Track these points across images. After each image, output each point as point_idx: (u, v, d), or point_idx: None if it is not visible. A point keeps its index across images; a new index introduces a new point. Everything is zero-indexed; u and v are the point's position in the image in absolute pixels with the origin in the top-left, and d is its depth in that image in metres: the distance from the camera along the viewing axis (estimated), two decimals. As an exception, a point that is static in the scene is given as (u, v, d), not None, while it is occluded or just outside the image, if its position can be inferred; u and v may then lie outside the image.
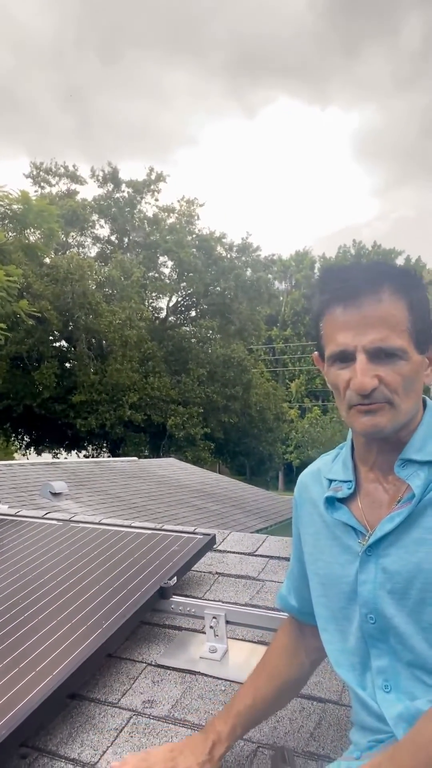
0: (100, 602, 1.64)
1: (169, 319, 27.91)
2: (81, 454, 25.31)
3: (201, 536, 2.03)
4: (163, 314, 27.86)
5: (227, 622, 1.59)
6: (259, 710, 1.14)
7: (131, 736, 1.29)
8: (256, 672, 1.18)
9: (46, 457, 24.20)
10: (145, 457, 20.74)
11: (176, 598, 1.70)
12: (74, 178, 26.32)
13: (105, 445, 24.84)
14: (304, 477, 1.15)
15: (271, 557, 2.04)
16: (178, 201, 27.74)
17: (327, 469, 1.09)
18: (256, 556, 2.07)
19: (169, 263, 26.77)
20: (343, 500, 1.02)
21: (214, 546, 2.10)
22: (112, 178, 26.67)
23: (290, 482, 33.62)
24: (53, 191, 25.80)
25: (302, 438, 31.46)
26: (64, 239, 24.44)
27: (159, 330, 25.83)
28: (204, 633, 1.62)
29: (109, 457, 22.86)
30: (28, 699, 1.24)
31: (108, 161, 38.01)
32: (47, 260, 20.61)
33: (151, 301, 27.04)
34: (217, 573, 1.99)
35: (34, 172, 25.90)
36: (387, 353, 0.89)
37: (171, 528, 2.23)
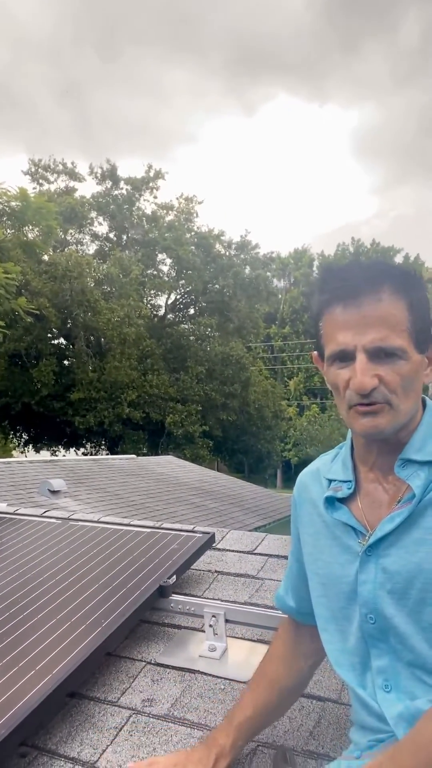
0: (99, 601, 1.64)
1: (168, 316, 27.90)
2: (79, 452, 25.31)
3: (200, 535, 2.03)
4: (161, 312, 27.85)
5: (226, 621, 1.59)
6: (260, 719, 1.14)
7: (131, 735, 1.29)
8: (255, 681, 1.18)
9: (45, 454, 24.20)
10: (144, 454, 20.76)
11: (176, 597, 1.70)
12: (73, 175, 26.28)
13: (103, 442, 24.84)
14: (303, 477, 1.14)
15: (271, 555, 2.04)
16: (177, 198, 27.74)
17: (326, 469, 1.09)
18: (255, 554, 2.07)
19: (168, 261, 26.76)
20: (342, 500, 1.02)
21: (214, 544, 2.10)
22: (110, 175, 26.62)
23: (288, 480, 33.70)
24: (51, 188, 25.77)
25: (300, 436, 31.51)
26: (63, 236, 24.42)
27: (157, 327, 25.82)
28: (203, 631, 1.62)
29: (107, 454, 22.86)
30: (28, 698, 1.24)
31: (106, 158, 37.88)
32: (46, 257, 20.57)
33: (149, 298, 27.04)
34: (216, 571, 2.00)
35: (33, 169, 25.85)
36: (387, 353, 0.89)
37: (170, 526, 2.23)
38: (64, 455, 24.28)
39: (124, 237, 27.33)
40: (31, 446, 25.76)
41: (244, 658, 1.54)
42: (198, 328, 26.60)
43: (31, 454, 24.95)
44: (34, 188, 24.56)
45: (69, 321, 21.60)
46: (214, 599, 1.76)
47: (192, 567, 1.95)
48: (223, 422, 25.40)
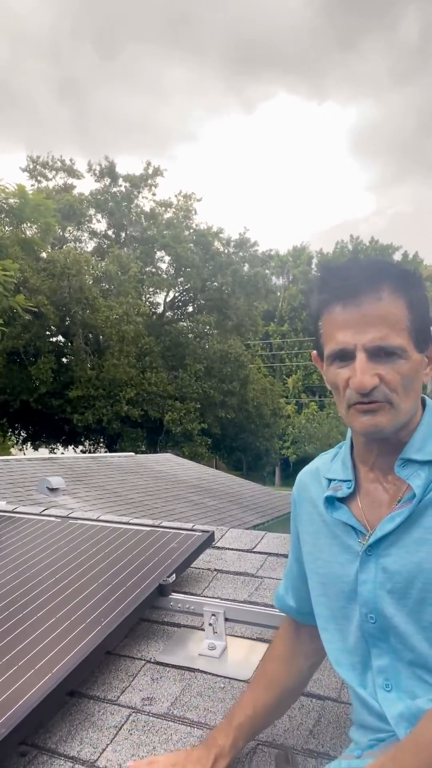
0: (99, 599, 1.64)
1: (167, 314, 27.87)
2: (78, 450, 25.30)
3: (200, 533, 2.03)
4: (160, 309, 27.82)
5: (226, 619, 1.59)
6: (260, 720, 1.14)
7: (130, 734, 1.29)
8: (255, 681, 1.18)
9: (43, 452, 24.18)
10: (142, 452, 20.74)
11: (175, 596, 1.70)
12: (71, 172, 26.20)
13: (102, 440, 24.84)
14: (302, 476, 1.14)
15: (270, 554, 2.04)
16: (176, 196, 27.70)
17: (326, 468, 1.09)
18: (254, 552, 2.07)
19: (167, 258, 26.72)
20: (342, 500, 1.02)
21: (213, 543, 2.10)
22: (109, 172, 26.56)
23: (287, 477, 33.75)
24: (50, 185, 25.69)
25: (299, 433, 31.52)
26: (61, 234, 24.36)
27: (156, 325, 25.80)
28: (203, 630, 1.62)
29: (106, 452, 22.86)
30: (28, 697, 1.24)
31: (105, 155, 37.75)
32: (44, 255, 20.53)
33: (148, 296, 27.01)
34: (215, 570, 2.00)
35: (31, 166, 25.78)
36: (387, 352, 0.89)
37: (169, 525, 2.23)
38: (62, 453, 24.27)
39: (123, 234, 27.29)
40: (29, 444, 25.74)
41: (243, 656, 1.54)
42: (196, 326, 26.58)
43: (29, 452, 24.94)
44: (32, 185, 24.54)
45: (67, 318, 21.58)
46: (213, 598, 1.76)
47: (191, 565, 1.95)
48: (221, 420, 25.40)
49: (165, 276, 26.80)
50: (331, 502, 1.02)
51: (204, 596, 1.80)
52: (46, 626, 1.52)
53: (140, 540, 2.03)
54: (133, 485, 10.83)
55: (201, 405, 23.97)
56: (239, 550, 2.11)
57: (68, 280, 20.10)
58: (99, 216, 26.74)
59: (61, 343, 23.48)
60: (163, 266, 27.21)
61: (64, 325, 21.89)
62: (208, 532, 2.04)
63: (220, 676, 1.46)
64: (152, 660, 1.56)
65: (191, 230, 26.71)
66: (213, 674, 1.47)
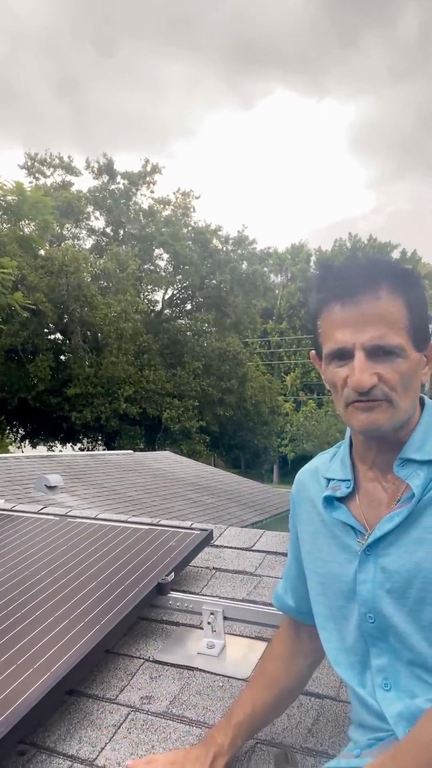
0: (97, 598, 1.64)
1: (165, 312, 27.85)
2: (76, 447, 25.30)
3: (198, 532, 2.03)
4: (158, 307, 27.80)
5: (225, 618, 1.59)
6: (259, 719, 1.14)
7: (129, 733, 1.29)
8: (254, 680, 1.18)
9: (41, 450, 24.17)
10: (141, 450, 20.73)
11: (174, 594, 1.70)
12: (69, 169, 26.15)
13: (100, 438, 24.83)
14: (301, 475, 1.14)
15: (269, 552, 2.04)
16: (174, 193, 27.66)
17: (325, 467, 1.09)
18: (253, 551, 2.07)
19: (165, 256, 26.68)
20: (341, 499, 1.02)
21: (211, 541, 2.10)
22: (107, 169, 26.51)
23: (285, 475, 33.76)
24: (48, 182, 25.65)
25: (297, 431, 31.54)
26: (59, 231, 24.31)
27: (154, 323, 25.78)
28: (201, 629, 1.62)
29: (104, 450, 22.87)
30: (26, 696, 1.24)
31: (103, 152, 37.66)
32: (42, 252, 20.51)
33: (146, 293, 26.97)
34: (214, 568, 2.00)
35: (29, 163, 25.71)
36: (385, 351, 0.89)
37: (168, 523, 2.23)
38: (60, 451, 24.27)
39: (121, 232, 27.25)
40: (27, 442, 25.72)
41: (242, 655, 1.54)
42: (195, 324, 26.56)
43: (27, 450, 24.92)
44: (30, 182, 24.48)
45: (65, 316, 21.55)
46: (212, 596, 1.76)
47: (190, 564, 1.95)
48: (219, 418, 25.42)
49: (163, 274, 26.77)
50: (330, 501, 1.02)
51: (203, 595, 1.80)
52: (44, 625, 1.52)
53: (139, 538, 2.03)
54: (132, 483, 10.84)
55: (199, 403, 23.97)
56: (238, 548, 2.11)
57: (66, 277, 20.07)
58: (97, 213, 26.71)
59: (59, 341, 23.46)
60: (162, 264, 27.21)
61: (62, 322, 21.87)
62: (206, 530, 2.04)
63: (219, 675, 1.47)
64: (151, 659, 1.56)
65: (189, 228, 26.68)
66: (212, 673, 1.48)
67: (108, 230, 27.32)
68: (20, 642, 1.45)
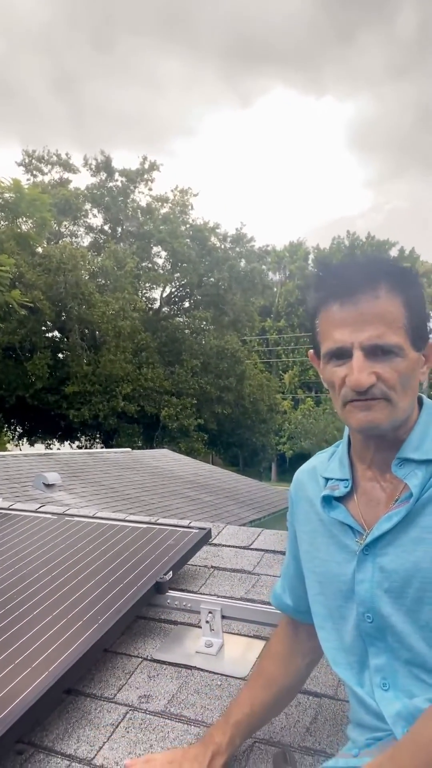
0: (95, 597, 1.64)
1: (163, 309, 27.82)
2: (74, 445, 25.28)
3: (196, 530, 2.03)
4: (156, 305, 27.76)
5: (223, 617, 1.59)
6: (257, 718, 1.14)
7: (127, 732, 1.29)
8: (253, 679, 1.18)
9: (39, 448, 24.15)
10: (139, 448, 20.73)
11: (172, 593, 1.70)
12: (67, 166, 26.08)
13: (98, 436, 24.81)
14: (300, 474, 1.14)
15: (267, 551, 2.04)
16: (172, 191, 27.62)
17: (323, 467, 1.09)
18: (251, 549, 2.07)
19: (163, 253, 26.65)
20: (339, 499, 1.02)
21: (210, 540, 2.10)
22: (105, 167, 26.45)
23: (283, 473, 33.80)
24: (45, 180, 25.57)
25: (295, 429, 31.57)
26: (57, 228, 24.26)
27: (152, 321, 25.75)
28: (200, 627, 1.62)
29: (102, 448, 22.84)
30: (24, 695, 1.24)
31: (101, 150, 37.63)
32: (40, 250, 20.47)
33: (144, 291, 26.94)
34: (212, 567, 2.00)
35: (27, 160, 25.65)
36: (384, 350, 0.89)
37: (166, 522, 2.22)
38: (58, 449, 24.25)
39: (119, 229, 27.20)
40: (25, 439, 25.69)
41: (240, 654, 1.54)
42: (193, 322, 26.54)
43: (25, 448, 24.88)
44: (28, 180, 24.40)
45: (63, 314, 21.50)
46: (210, 595, 1.76)
47: (188, 563, 1.95)
48: (218, 415, 25.41)
49: (161, 271, 26.73)
50: (328, 501, 1.02)
51: (201, 593, 1.80)
52: (42, 624, 1.52)
53: (137, 537, 2.03)
54: (130, 481, 10.83)
55: (197, 401, 23.97)
56: (236, 547, 2.11)
57: (64, 275, 20.02)
58: (95, 211, 26.66)
59: (57, 339, 23.41)
60: (160, 261, 27.18)
61: (60, 320, 21.82)
62: (204, 529, 2.04)
63: (217, 674, 1.47)
64: (149, 657, 1.56)
65: (188, 225, 26.64)
66: (210, 672, 1.48)
67: (106, 228, 27.27)
68: (18, 641, 1.45)
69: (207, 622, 1.59)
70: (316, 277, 0.98)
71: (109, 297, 21.80)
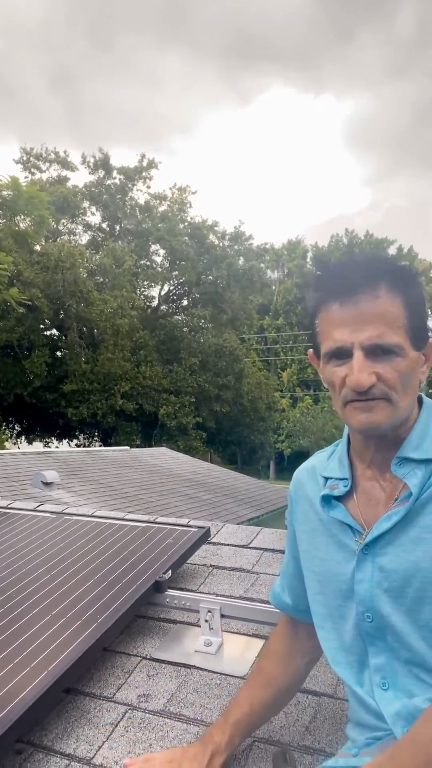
0: (94, 596, 1.63)
1: (161, 307, 27.80)
2: (72, 444, 25.27)
3: (195, 529, 2.03)
4: (155, 303, 27.74)
5: (222, 616, 1.59)
6: (256, 717, 1.14)
7: (127, 731, 1.29)
8: (252, 678, 1.18)
9: (38, 446, 24.14)
10: (137, 446, 20.73)
11: (171, 592, 1.70)
12: (65, 164, 26.03)
13: (96, 434, 24.81)
14: (299, 473, 1.14)
15: (266, 549, 2.04)
16: (170, 188, 27.57)
17: (322, 466, 1.09)
18: (250, 548, 2.07)
19: (161, 251, 26.63)
20: (339, 498, 1.01)
21: (208, 538, 2.10)
22: (103, 164, 26.40)
23: (282, 471, 33.82)
24: (43, 177, 25.53)
25: (294, 427, 31.61)
26: (55, 226, 24.23)
27: (151, 319, 25.74)
28: (199, 626, 1.62)
29: (100, 446, 22.83)
30: (24, 695, 1.24)
31: (99, 147, 37.49)
32: (38, 248, 20.43)
33: (142, 289, 26.91)
34: (211, 566, 2.00)
35: (24, 158, 25.60)
36: (384, 350, 0.89)
37: (165, 521, 2.22)
38: (57, 447, 24.25)
39: (117, 227, 27.15)
40: (23, 438, 25.68)
41: (239, 652, 1.54)
42: (191, 320, 26.53)
43: (23, 446, 24.88)
44: (25, 177, 24.36)
45: (61, 312, 21.48)
46: (209, 594, 1.76)
47: (187, 561, 1.95)
48: (216, 414, 25.42)
49: (160, 269, 26.70)
50: (327, 500, 1.02)
51: (200, 592, 1.80)
52: (41, 623, 1.52)
53: (136, 536, 2.03)
54: (128, 479, 10.84)
55: (196, 399, 23.97)
56: (235, 545, 2.11)
57: (62, 273, 20.00)
58: (93, 209, 26.61)
59: (55, 337, 23.40)
60: (158, 259, 27.14)
61: (58, 318, 21.80)
62: (203, 528, 2.04)
63: (216, 673, 1.47)
64: (148, 657, 1.56)
65: (186, 223, 26.61)
66: (209, 671, 1.48)
67: (104, 226, 27.23)
68: (17, 640, 1.45)
69: (206, 621, 1.59)
70: (315, 276, 0.98)
71: (108, 295, 21.78)
